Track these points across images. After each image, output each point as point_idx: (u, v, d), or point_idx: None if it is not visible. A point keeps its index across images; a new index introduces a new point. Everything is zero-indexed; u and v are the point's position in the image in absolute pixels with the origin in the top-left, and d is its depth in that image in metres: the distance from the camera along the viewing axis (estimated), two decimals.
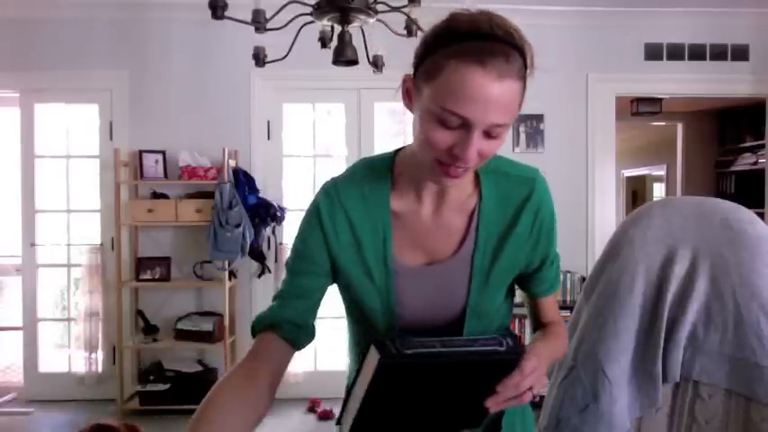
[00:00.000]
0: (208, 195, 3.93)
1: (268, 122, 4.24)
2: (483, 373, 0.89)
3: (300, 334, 1.04)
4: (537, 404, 1.41)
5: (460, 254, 1.01)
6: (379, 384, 0.86)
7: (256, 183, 4.06)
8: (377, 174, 1.03)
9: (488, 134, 0.85)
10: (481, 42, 0.82)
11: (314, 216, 1.02)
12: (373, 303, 1.03)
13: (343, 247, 1.01)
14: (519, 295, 1.21)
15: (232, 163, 4.00)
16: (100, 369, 4.16)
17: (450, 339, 0.88)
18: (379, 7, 2.42)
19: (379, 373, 0.84)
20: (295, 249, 1.05)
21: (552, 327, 1.13)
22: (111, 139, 4.14)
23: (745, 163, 6.24)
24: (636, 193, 8.95)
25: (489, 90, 0.81)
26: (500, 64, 0.81)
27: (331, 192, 1.03)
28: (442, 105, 0.83)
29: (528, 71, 0.87)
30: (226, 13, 2.25)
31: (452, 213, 1.01)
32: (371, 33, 2.72)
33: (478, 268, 1.01)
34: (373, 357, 0.85)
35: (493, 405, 0.89)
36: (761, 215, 3.93)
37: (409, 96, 0.92)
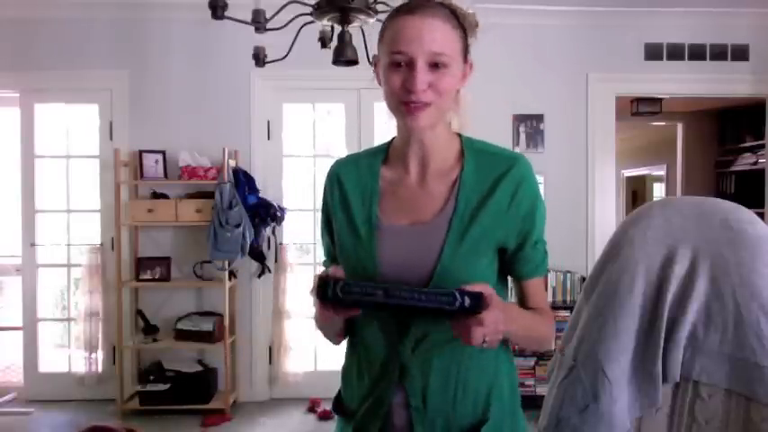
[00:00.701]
0: (208, 195, 3.93)
1: (268, 122, 4.24)
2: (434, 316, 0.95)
3: None
4: (537, 405, 1.41)
5: (440, 216, 1.10)
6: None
7: (256, 183, 4.06)
8: (374, 151, 1.21)
9: (434, 65, 1.02)
10: (412, 2, 1.05)
11: (323, 193, 1.22)
12: (358, 256, 1.13)
13: (336, 208, 1.18)
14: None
15: (232, 163, 4.00)
16: (100, 369, 4.16)
17: (397, 288, 0.93)
18: (379, 7, 2.42)
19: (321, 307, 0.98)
20: (322, 226, 1.25)
21: (536, 310, 1.16)
22: (111, 139, 4.14)
23: (745, 163, 6.24)
24: (636, 193, 8.95)
25: (417, 26, 1.02)
26: (424, 10, 1.03)
27: (333, 167, 1.23)
28: (389, 51, 1.04)
29: (469, 33, 1.09)
30: (226, 13, 2.25)
31: (436, 182, 1.13)
32: (371, 33, 2.72)
33: (455, 229, 1.09)
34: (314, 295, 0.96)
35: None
36: (761, 215, 3.93)
37: (378, 72, 1.11)
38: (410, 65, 1.02)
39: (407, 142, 1.12)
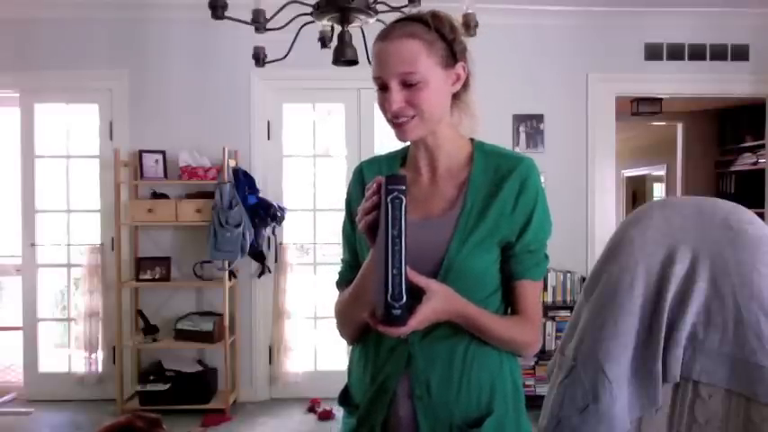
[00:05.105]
0: (208, 195, 3.93)
1: (268, 122, 4.24)
2: None
3: None
4: (537, 405, 1.41)
5: (449, 214, 1.17)
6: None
7: (256, 183, 4.06)
8: (394, 154, 1.32)
9: (407, 84, 1.10)
10: (387, 28, 1.13)
11: (348, 189, 1.32)
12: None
13: (357, 201, 1.19)
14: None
15: (232, 163, 4.00)
16: (100, 369, 4.16)
17: (402, 245, 0.99)
18: (379, 7, 2.42)
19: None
20: (344, 219, 1.31)
21: (513, 315, 1.19)
22: (111, 139, 4.14)
23: (745, 163, 6.24)
24: (636, 193, 8.94)
25: (387, 51, 1.10)
26: (393, 32, 1.11)
27: (358, 165, 1.33)
28: (373, 77, 1.13)
29: (455, 36, 1.13)
30: (226, 13, 2.25)
31: (446, 182, 1.20)
32: (371, 33, 2.72)
33: (462, 226, 1.15)
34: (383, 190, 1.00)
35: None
36: (761, 215, 3.93)
37: None
38: (385, 88, 1.12)
39: (416, 147, 1.22)
